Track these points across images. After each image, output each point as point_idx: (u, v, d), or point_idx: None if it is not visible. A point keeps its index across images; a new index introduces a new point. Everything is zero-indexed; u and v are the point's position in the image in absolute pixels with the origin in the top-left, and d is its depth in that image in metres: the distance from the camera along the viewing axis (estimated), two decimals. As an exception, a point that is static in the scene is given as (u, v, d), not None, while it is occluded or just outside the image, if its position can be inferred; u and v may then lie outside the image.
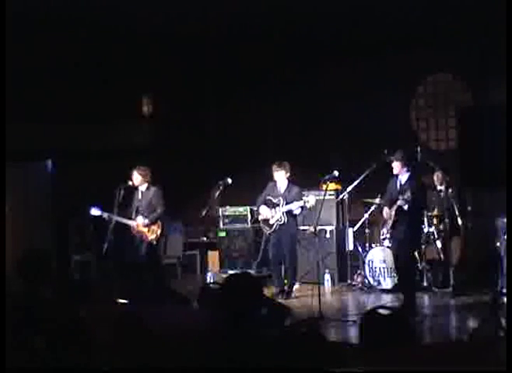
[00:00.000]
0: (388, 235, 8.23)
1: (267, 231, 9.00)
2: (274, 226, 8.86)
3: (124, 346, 3.35)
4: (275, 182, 8.97)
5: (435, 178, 9.03)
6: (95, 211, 8.81)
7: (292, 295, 8.89)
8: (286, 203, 8.78)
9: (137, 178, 8.79)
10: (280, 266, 9.04)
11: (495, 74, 8.70)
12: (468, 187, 8.29)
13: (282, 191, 8.91)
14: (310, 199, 8.62)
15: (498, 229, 7.86)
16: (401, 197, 7.62)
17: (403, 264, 7.89)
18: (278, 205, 8.85)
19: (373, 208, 9.34)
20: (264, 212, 8.97)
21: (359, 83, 10.52)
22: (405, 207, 7.63)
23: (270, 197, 8.95)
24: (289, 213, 8.81)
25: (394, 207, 7.76)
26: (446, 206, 8.78)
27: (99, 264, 10.41)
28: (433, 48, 9.79)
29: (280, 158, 9.09)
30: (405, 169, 7.82)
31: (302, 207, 8.77)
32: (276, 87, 11.31)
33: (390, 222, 7.89)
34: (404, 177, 7.86)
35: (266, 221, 8.98)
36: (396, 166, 7.83)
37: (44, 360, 3.55)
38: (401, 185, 7.86)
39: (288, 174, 8.88)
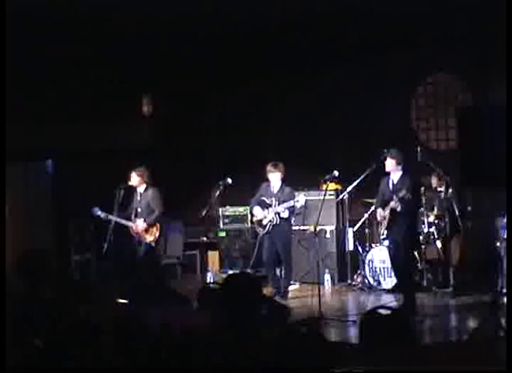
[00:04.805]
0: (384, 236, 8.22)
1: (260, 232, 8.97)
2: (267, 227, 8.83)
3: (124, 346, 3.35)
4: (269, 182, 8.95)
5: (433, 179, 9.03)
6: (96, 211, 8.83)
7: (289, 295, 8.88)
8: (279, 204, 8.76)
9: (135, 179, 8.82)
10: (275, 266, 9.03)
11: (495, 74, 8.69)
12: (468, 187, 8.28)
13: (276, 191, 8.88)
14: (300, 198, 8.62)
15: (498, 229, 7.86)
16: (394, 197, 7.62)
17: (402, 264, 7.89)
18: (270, 205, 8.83)
19: (373, 208, 9.32)
20: (258, 213, 8.95)
21: (359, 83, 10.52)
22: (398, 209, 7.63)
23: (263, 198, 8.93)
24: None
25: (388, 208, 7.76)
26: (446, 206, 8.78)
27: (99, 264, 10.42)
28: (433, 48, 9.79)
29: (280, 158, 9.09)
30: (399, 167, 7.83)
31: (289, 208, 8.71)
32: (276, 87, 11.31)
33: (384, 223, 7.89)
34: (396, 176, 7.86)
35: (260, 221, 8.96)
36: (389, 164, 7.84)
37: (44, 360, 3.55)
38: (393, 184, 7.86)
39: (282, 175, 8.86)
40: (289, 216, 8.83)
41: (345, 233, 9.94)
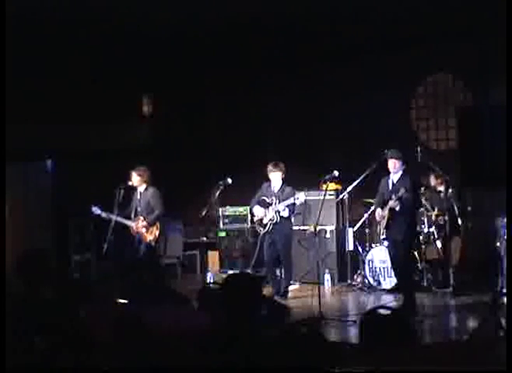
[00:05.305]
0: (383, 236, 8.23)
1: (261, 231, 8.96)
2: (267, 226, 8.81)
3: (124, 346, 3.35)
4: (270, 182, 8.95)
5: (431, 178, 9.04)
6: (95, 210, 8.84)
7: (289, 295, 8.87)
8: (279, 203, 8.75)
9: (135, 179, 8.82)
10: (275, 266, 9.03)
11: (495, 74, 8.69)
12: (468, 187, 8.28)
13: (276, 191, 8.87)
14: (300, 196, 8.59)
15: (498, 229, 7.86)
16: (393, 196, 7.62)
17: (401, 265, 7.89)
18: (270, 204, 8.82)
19: (373, 208, 9.32)
20: (258, 212, 8.95)
21: (359, 83, 10.51)
22: (397, 208, 7.63)
23: (264, 197, 8.93)
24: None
25: (387, 208, 7.76)
26: (446, 206, 8.79)
27: (99, 264, 10.42)
28: (433, 48, 9.79)
29: (280, 157, 9.09)
30: (401, 167, 7.83)
31: (289, 206, 8.68)
32: (276, 87, 11.31)
33: (383, 223, 7.89)
34: (396, 176, 7.87)
35: (260, 221, 8.96)
36: (393, 165, 7.83)
37: (44, 360, 3.55)
38: (393, 184, 7.87)
39: (283, 174, 8.85)
40: (289, 215, 8.82)
41: (345, 233, 9.93)
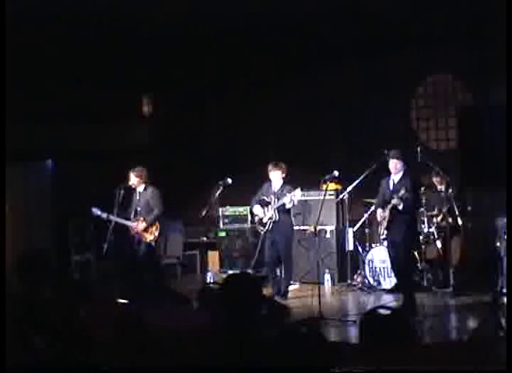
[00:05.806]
0: (384, 236, 8.23)
1: (261, 230, 8.96)
2: (267, 225, 8.82)
3: (124, 346, 3.35)
4: (270, 182, 8.95)
5: (435, 179, 9.04)
6: (95, 211, 8.84)
7: (289, 295, 8.87)
8: (278, 201, 8.75)
9: (133, 179, 8.82)
10: (276, 266, 9.03)
11: (495, 74, 8.69)
12: (468, 187, 8.28)
13: (276, 190, 8.88)
14: (297, 193, 8.57)
15: (498, 229, 7.85)
16: (395, 196, 7.62)
17: (402, 265, 7.89)
18: (270, 203, 8.82)
19: (373, 208, 9.32)
20: (258, 211, 8.96)
21: (359, 83, 10.52)
22: (400, 207, 7.63)
23: (263, 197, 8.94)
24: (282, 210, 8.76)
25: (388, 207, 7.76)
26: (446, 206, 8.78)
27: (99, 264, 10.42)
28: (433, 48, 9.79)
29: (280, 157, 9.09)
30: (403, 168, 7.83)
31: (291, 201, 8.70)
32: (276, 87, 11.31)
33: (384, 223, 7.89)
34: (397, 177, 7.87)
35: (260, 220, 8.96)
36: (395, 165, 7.83)
37: (44, 360, 3.55)
38: (394, 184, 7.87)
39: (284, 174, 8.85)
40: (290, 210, 8.80)
41: (345, 233, 9.93)
